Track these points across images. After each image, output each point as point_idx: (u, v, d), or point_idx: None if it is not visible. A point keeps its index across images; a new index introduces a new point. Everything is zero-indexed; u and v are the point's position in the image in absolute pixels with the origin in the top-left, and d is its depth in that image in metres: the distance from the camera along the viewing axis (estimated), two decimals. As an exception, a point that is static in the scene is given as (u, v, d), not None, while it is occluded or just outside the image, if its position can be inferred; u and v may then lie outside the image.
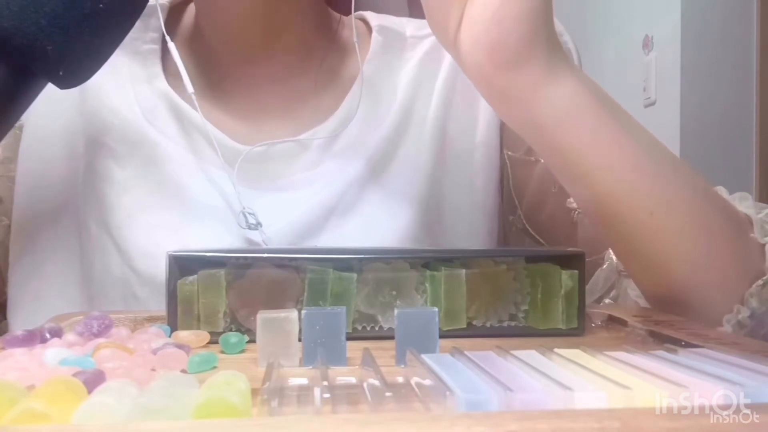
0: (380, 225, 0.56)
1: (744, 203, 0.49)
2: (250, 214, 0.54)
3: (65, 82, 0.43)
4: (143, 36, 0.59)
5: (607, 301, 0.53)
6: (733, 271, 0.46)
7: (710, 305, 0.45)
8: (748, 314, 0.44)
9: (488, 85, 0.43)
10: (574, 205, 0.56)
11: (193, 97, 0.54)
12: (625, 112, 0.45)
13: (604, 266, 0.54)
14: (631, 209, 0.44)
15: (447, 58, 0.61)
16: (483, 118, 0.60)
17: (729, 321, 0.45)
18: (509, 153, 0.60)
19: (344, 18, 0.63)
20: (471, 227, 0.59)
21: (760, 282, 0.45)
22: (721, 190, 0.51)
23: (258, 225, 0.54)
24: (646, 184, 0.44)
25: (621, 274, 0.53)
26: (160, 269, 0.41)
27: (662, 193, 0.44)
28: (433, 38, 0.61)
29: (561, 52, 0.43)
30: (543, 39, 0.42)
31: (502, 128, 0.60)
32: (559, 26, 0.63)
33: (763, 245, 0.46)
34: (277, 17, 0.57)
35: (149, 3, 0.46)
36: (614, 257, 0.53)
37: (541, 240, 0.59)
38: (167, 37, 0.56)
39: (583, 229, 0.56)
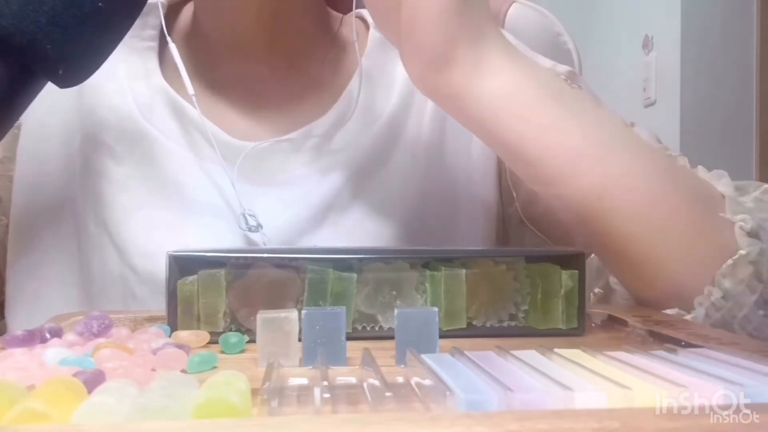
0: (378, 221, 0.56)
1: (721, 181, 0.49)
2: (250, 215, 0.54)
3: (65, 81, 0.43)
4: (140, 34, 0.59)
5: (596, 290, 0.53)
6: (702, 251, 0.45)
7: (679, 288, 0.44)
8: (721, 295, 0.44)
9: (423, 85, 0.44)
10: None
11: (194, 98, 0.54)
12: (574, 94, 0.45)
13: (588, 260, 0.54)
14: (576, 195, 0.44)
15: None
16: None
17: (701, 303, 0.44)
18: None
19: (344, 17, 0.63)
20: (470, 221, 0.59)
21: (730, 261, 0.44)
22: (700, 170, 0.50)
23: (258, 227, 0.54)
24: (589, 169, 0.43)
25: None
26: (158, 268, 0.41)
27: (609, 177, 0.44)
28: None
29: (493, 48, 0.44)
30: (466, 38, 0.42)
31: None
32: (558, 26, 0.63)
33: (733, 223, 0.45)
34: (281, 19, 0.57)
35: (148, 1, 0.46)
36: None
37: (537, 232, 0.59)
38: (168, 37, 0.56)
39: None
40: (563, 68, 0.60)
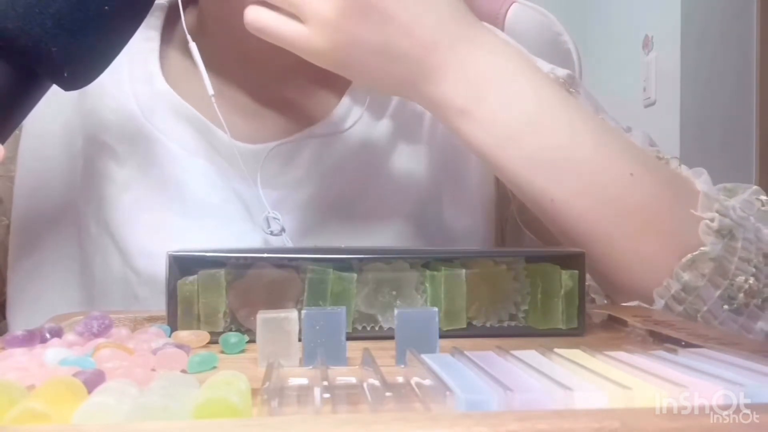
0: (380, 222, 0.56)
1: (701, 178, 0.50)
2: (275, 218, 0.54)
3: (70, 84, 0.43)
4: (142, 35, 0.59)
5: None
6: (663, 245, 0.46)
7: (640, 281, 0.46)
8: (680, 288, 0.45)
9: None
10: None
11: (213, 98, 0.54)
12: (534, 80, 0.48)
13: None
14: (531, 198, 0.48)
15: None
16: None
17: (661, 296, 0.46)
18: None
19: None
20: (469, 222, 0.59)
21: (690, 256, 0.45)
22: (682, 169, 0.51)
23: (282, 231, 0.54)
24: (542, 174, 0.47)
25: None
26: (160, 269, 0.41)
27: (560, 183, 0.47)
28: None
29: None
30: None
31: None
32: (558, 26, 0.63)
33: (702, 220, 0.46)
34: None
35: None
36: None
37: (530, 235, 0.60)
38: (189, 37, 0.55)
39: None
40: (562, 72, 0.60)
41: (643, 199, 0.46)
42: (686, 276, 0.45)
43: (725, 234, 0.45)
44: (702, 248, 0.45)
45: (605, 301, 0.50)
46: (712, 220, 0.46)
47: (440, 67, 0.46)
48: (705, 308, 0.45)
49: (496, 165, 0.48)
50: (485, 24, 0.50)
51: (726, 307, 0.45)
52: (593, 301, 0.51)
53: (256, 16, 0.47)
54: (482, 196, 0.60)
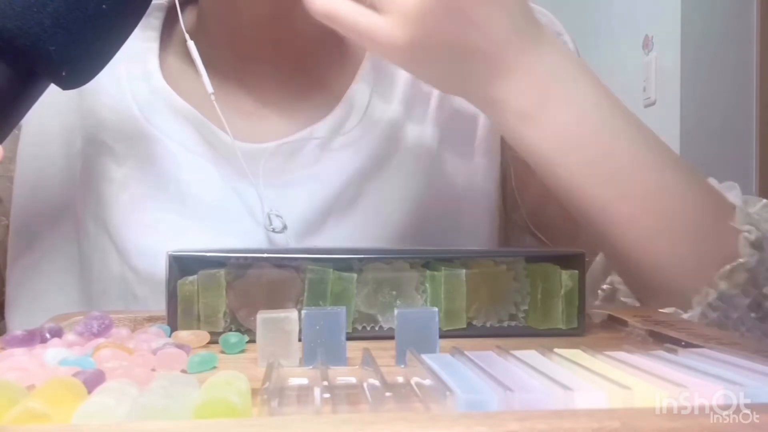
0: (380, 222, 0.56)
1: (732, 192, 0.51)
2: (277, 216, 0.54)
3: (68, 83, 0.43)
4: (141, 35, 0.59)
5: (604, 286, 0.54)
6: (703, 255, 0.47)
7: (680, 289, 0.47)
8: (716, 296, 0.46)
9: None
10: None
11: (213, 96, 0.54)
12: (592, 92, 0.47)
13: (598, 258, 0.55)
14: (577, 198, 0.47)
15: None
16: (484, 116, 0.60)
17: (699, 303, 0.46)
18: (512, 152, 0.60)
19: None
20: (472, 225, 0.59)
21: (728, 267, 0.46)
22: (712, 181, 0.52)
23: (284, 228, 0.54)
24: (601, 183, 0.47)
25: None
26: (159, 268, 0.41)
27: (616, 189, 0.47)
28: None
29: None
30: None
31: None
32: (558, 26, 0.63)
33: (740, 232, 0.47)
34: (284, 21, 0.57)
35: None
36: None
37: (543, 239, 0.60)
38: (186, 36, 0.55)
39: (587, 229, 0.56)
40: None
41: (689, 209, 0.48)
42: (723, 285, 0.46)
43: (757, 246, 0.47)
44: (740, 259, 0.46)
45: (637, 305, 0.51)
46: (749, 232, 0.47)
47: (509, 68, 0.45)
48: (736, 316, 0.46)
49: (553, 170, 0.47)
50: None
51: (753, 314, 0.47)
52: (624, 305, 0.52)
53: (326, 2, 0.44)
54: (485, 201, 0.60)
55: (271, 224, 0.54)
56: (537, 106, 0.46)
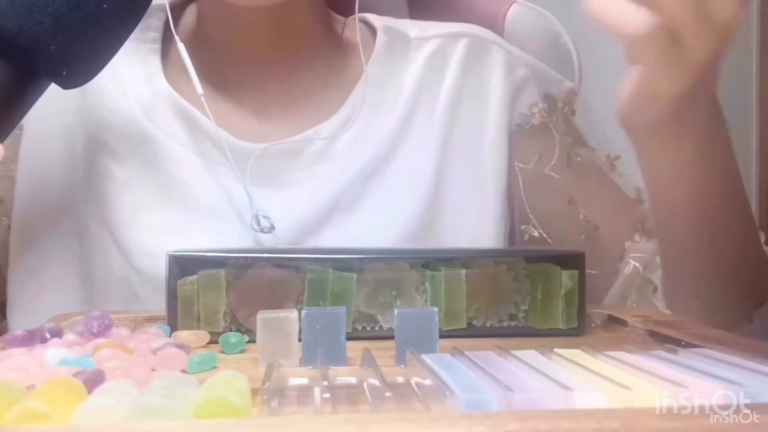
0: (382, 223, 0.56)
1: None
2: (264, 216, 0.54)
3: (69, 83, 0.43)
4: (143, 36, 0.59)
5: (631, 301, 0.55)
6: (744, 292, 0.50)
7: (719, 319, 0.48)
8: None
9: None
10: (587, 219, 0.58)
11: (203, 98, 0.54)
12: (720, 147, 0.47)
13: (628, 271, 0.56)
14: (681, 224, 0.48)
15: (453, 62, 0.60)
16: (492, 124, 0.59)
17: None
18: (520, 165, 0.60)
19: (348, 20, 0.63)
20: (476, 230, 0.59)
21: (765, 307, 0.50)
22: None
23: (272, 228, 0.53)
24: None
25: (645, 280, 0.55)
26: (161, 268, 0.41)
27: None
28: (438, 40, 0.61)
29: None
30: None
31: (511, 138, 0.60)
32: (559, 26, 0.63)
33: None
34: (284, 23, 0.57)
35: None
36: (637, 263, 0.56)
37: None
38: (176, 37, 0.56)
39: (594, 243, 0.57)
40: (567, 85, 0.61)
41: (749, 243, 0.50)
42: (756, 320, 0.49)
43: None
44: None
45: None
46: None
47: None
48: None
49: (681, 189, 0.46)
50: None
51: None
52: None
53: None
54: (491, 207, 0.59)
55: (259, 224, 0.54)
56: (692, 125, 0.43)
